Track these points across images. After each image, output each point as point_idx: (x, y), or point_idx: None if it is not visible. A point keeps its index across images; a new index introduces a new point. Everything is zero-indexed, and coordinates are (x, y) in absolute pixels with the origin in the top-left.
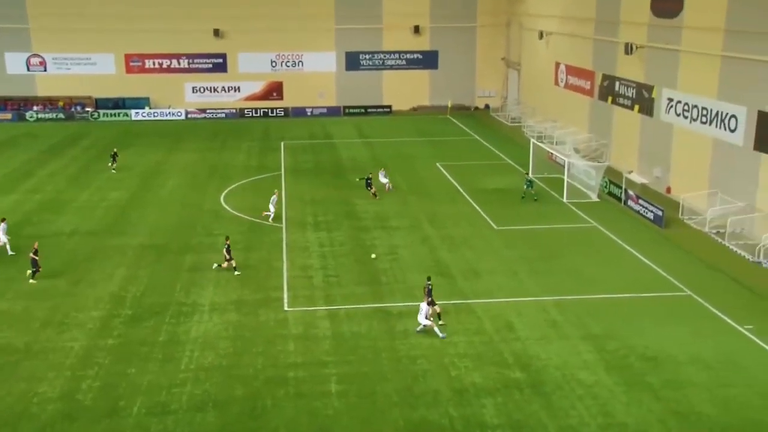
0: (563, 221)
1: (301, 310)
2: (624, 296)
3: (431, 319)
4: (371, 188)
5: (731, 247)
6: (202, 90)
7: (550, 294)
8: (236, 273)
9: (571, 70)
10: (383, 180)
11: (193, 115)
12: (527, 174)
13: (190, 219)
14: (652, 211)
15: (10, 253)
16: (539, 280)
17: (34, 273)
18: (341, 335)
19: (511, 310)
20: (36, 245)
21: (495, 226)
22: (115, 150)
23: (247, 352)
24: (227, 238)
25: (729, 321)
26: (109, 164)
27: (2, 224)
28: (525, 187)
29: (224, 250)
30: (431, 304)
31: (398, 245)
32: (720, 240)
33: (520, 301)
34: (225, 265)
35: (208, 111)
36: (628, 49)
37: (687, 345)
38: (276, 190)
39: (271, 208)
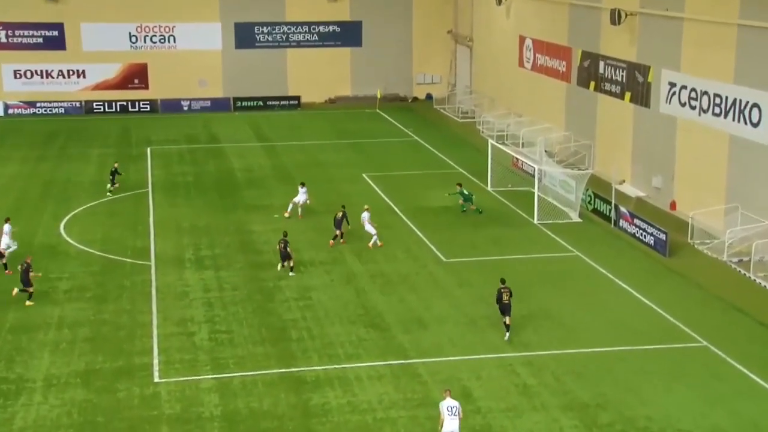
0: (534, 249)
1: (179, 380)
2: (618, 350)
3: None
4: (340, 230)
5: (758, 280)
6: (29, 75)
7: (520, 349)
8: (291, 274)
9: (541, 47)
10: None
11: (17, 110)
12: (460, 185)
13: (14, 257)
14: (652, 234)
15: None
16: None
17: (29, 294)
18: (235, 414)
19: (468, 372)
20: (29, 259)
21: (443, 258)
22: (116, 165)
23: None
24: (285, 234)
25: (758, 380)
26: (109, 186)
27: (6, 225)
28: (461, 200)
29: (286, 248)
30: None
31: (312, 287)
32: (743, 271)
33: (479, 359)
34: (284, 265)
35: (39, 105)
36: (616, 17)
37: (703, 414)
38: (366, 206)
39: (368, 227)
